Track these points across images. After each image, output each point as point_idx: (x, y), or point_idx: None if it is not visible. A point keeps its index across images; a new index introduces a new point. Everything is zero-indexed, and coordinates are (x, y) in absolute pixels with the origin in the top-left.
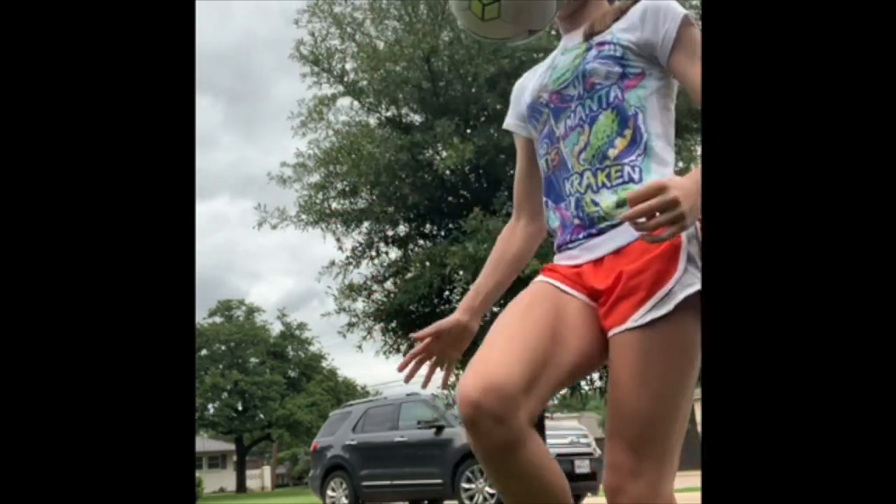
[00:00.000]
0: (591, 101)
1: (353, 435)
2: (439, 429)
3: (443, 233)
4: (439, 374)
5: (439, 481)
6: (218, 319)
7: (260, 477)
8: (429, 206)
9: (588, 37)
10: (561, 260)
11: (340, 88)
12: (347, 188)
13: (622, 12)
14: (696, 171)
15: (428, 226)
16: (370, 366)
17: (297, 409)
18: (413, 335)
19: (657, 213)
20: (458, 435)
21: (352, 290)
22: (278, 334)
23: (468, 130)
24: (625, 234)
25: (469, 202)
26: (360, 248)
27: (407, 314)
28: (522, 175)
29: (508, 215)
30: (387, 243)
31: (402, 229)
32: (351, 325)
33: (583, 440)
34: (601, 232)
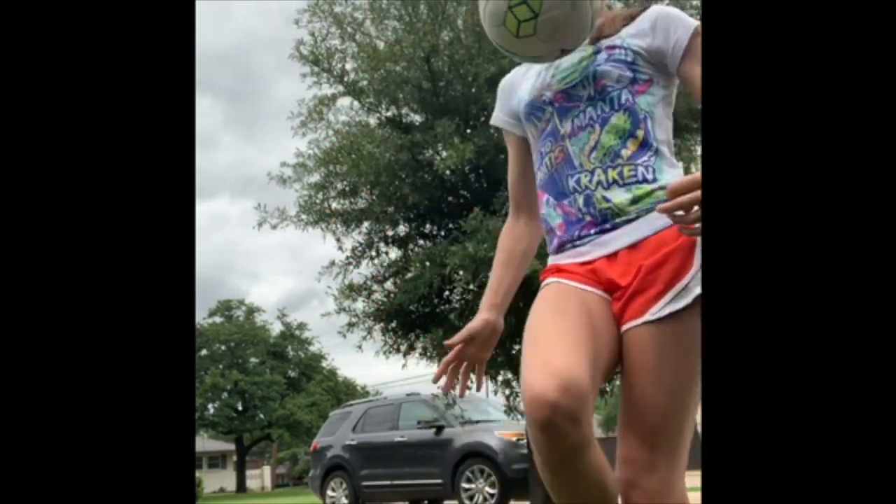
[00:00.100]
0: (604, 102)
1: (353, 435)
2: (439, 429)
3: (443, 233)
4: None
5: (439, 481)
6: (218, 319)
7: (260, 477)
8: (429, 206)
9: (595, 40)
10: (566, 259)
11: (340, 88)
12: (347, 188)
13: (631, 18)
14: None
15: (428, 226)
16: (370, 366)
17: (297, 409)
18: (447, 342)
19: (695, 207)
20: (458, 435)
21: (352, 290)
22: (278, 334)
23: (468, 130)
24: (640, 229)
25: (469, 202)
26: (360, 248)
27: (407, 314)
28: (518, 173)
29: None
30: (387, 243)
31: (402, 229)
32: (351, 325)
33: None
34: (615, 227)
